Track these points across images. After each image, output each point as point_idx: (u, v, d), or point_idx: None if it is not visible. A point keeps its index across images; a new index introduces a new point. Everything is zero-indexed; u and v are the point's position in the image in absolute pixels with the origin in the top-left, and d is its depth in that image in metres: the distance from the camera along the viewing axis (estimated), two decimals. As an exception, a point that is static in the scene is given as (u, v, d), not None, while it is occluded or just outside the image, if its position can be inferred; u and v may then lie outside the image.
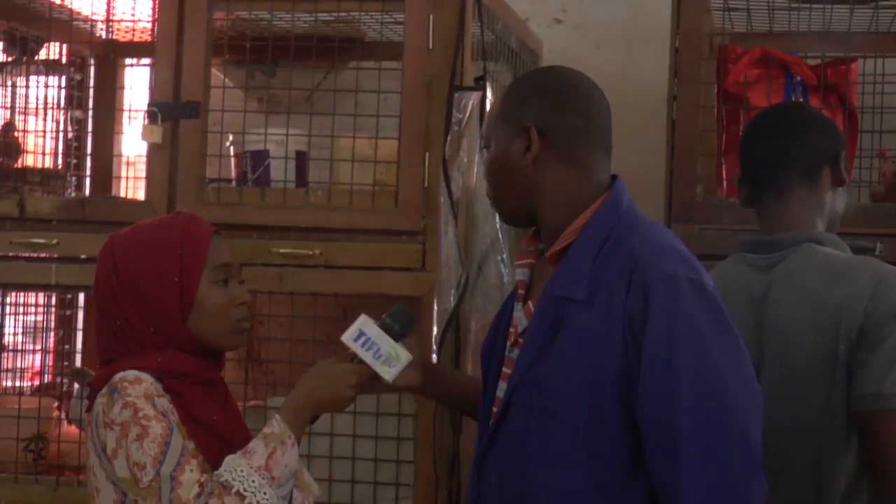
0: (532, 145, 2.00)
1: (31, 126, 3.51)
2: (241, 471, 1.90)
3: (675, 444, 1.82)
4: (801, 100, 3.01)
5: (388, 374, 2.02)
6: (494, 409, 2.03)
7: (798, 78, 3.02)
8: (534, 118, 2.00)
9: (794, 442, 2.18)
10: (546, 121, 2.00)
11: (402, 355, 2.02)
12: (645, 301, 1.86)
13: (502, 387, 2.03)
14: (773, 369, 2.19)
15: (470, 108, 2.92)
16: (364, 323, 2.03)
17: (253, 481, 1.90)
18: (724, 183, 3.09)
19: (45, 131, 3.55)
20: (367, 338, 2.02)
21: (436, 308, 2.87)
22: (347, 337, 2.03)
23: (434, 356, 2.85)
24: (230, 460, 1.92)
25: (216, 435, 2.01)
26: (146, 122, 3.02)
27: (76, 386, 3.35)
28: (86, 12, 3.47)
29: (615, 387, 1.87)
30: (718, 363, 1.84)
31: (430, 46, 2.91)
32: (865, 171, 3.12)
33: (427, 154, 2.90)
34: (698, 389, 1.82)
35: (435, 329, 2.86)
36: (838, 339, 2.14)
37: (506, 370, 2.05)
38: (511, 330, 2.07)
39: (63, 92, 3.60)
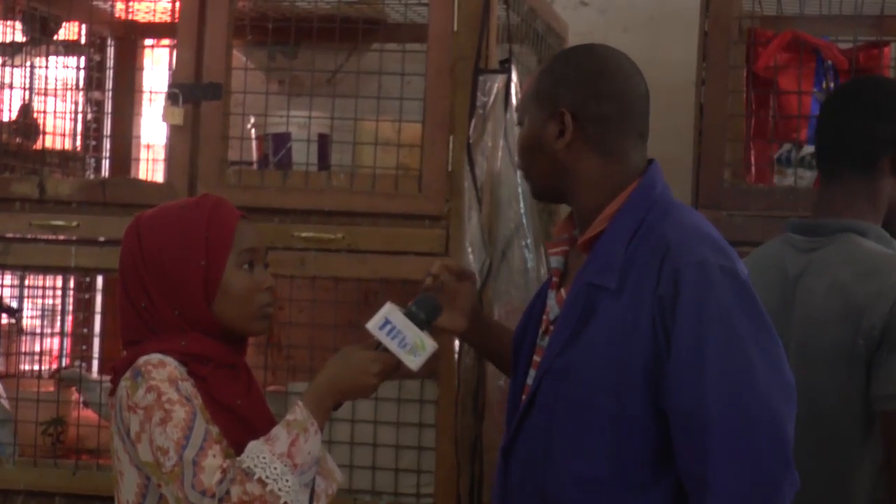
0: (566, 130, 1.96)
1: (49, 107, 3.49)
2: (264, 457, 1.89)
3: (704, 435, 1.78)
4: (831, 85, 2.97)
5: (412, 363, 1.99)
6: (524, 397, 2.01)
7: (829, 62, 2.98)
8: (569, 103, 1.96)
9: (808, 431, 2.10)
10: (581, 107, 1.95)
11: (428, 344, 2.00)
12: (675, 288, 1.82)
13: (532, 375, 2.01)
14: (794, 355, 2.14)
15: (495, 91, 2.90)
16: (390, 311, 2.01)
17: (275, 468, 1.88)
18: (753, 168, 3.05)
19: (64, 112, 3.53)
20: (392, 326, 1.99)
21: (459, 293, 2.84)
22: (373, 325, 2.00)
23: (456, 342, 2.82)
24: (253, 447, 1.90)
25: (240, 419, 2.00)
26: (167, 103, 2.99)
27: (95, 370, 3.33)
28: (105, -8, 3.45)
29: (644, 376, 1.84)
30: (749, 353, 1.80)
31: (455, 28, 2.89)
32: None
33: (451, 138, 2.87)
34: (728, 379, 1.79)
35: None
36: (858, 333, 2.10)
37: (536, 358, 2.02)
38: (543, 317, 2.05)
39: (82, 73, 3.58)
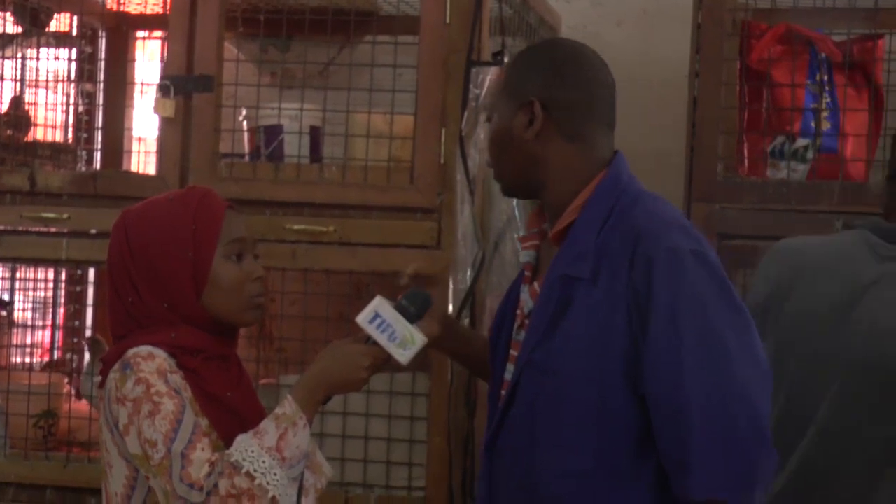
0: (535, 119, 1.98)
1: (41, 99, 3.48)
2: (252, 451, 1.88)
3: (683, 420, 1.81)
4: (825, 77, 2.96)
5: (402, 356, 1.99)
6: (503, 393, 2.01)
7: (823, 55, 2.97)
8: (537, 92, 1.99)
9: (866, 444, 2.06)
10: (549, 95, 1.99)
11: (418, 338, 1.99)
12: (648, 275, 1.85)
13: (510, 369, 2.02)
14: (852, 366, 2.06)
15: (487, 83, 2.88)
16: (380, 304, 2.00)
17: (263, 462, 1.88)
18: (746, 161, 3.04)
19: (55, 104, 3.51)
20: (382, 320, 1.99)
21: (451, 286, 2.84)
22: (362, 318, 1.99)
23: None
24: (241, 440, 1.90)
25: (230, 411, 1.99)
26: (159, 95, 2.98)
27: (86, 361, 3.32)
28: (97, -17, 3.43)
29: (621, 364, 1.86)
30: (723, 336, 1.83)
31: (448, 21, 2.87)
32: (889, 152, 3.04)
33: (443, 130, 2.86)
34: (703, 364, 1.81)
35: (451, 307, 2.83)
36: None
37: (513, 352, 2.03)
38: (518, 312, 2.06)
39: (73, 65, 3.56)
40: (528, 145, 1.99)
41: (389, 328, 1.98)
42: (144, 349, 1.96)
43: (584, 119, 2.00)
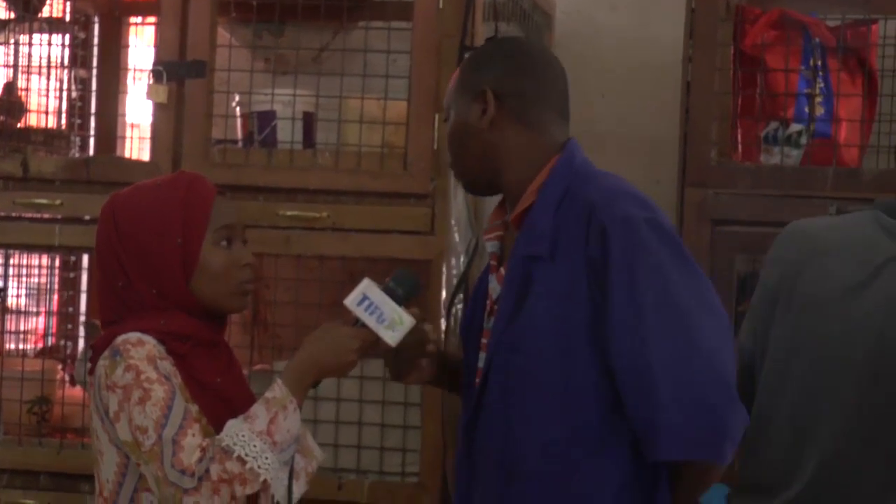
0: (488, 107, 2.04)
1: (34, 85, 3.46)
2: (243, 435, 1.88)
3: (648, 384, 1.85)
4: (819, 63, 2.96)
5: (391, 338, 1.99)
6: (477, 380, 2.04)
7: (817, 40, 2.96)
8: (489, 82, 2.05)
9: (880, 418, 2.02)
10: (501, 83, 2.04)
11: (406, 319, 1.99)
12: (604, 245, 1.89)
13: (483, 358, 2.05)
14: (868, 342, 2.02)
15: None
16: (367, 287, 2.00)
17: (254, 446, 1.88)
18: (740, 147, 3.04)
19: (48, 90, 3.50)
20: (370, 302, 1.99)
21: (445, 272, 2.84)
22: (350, 301, 1.99)
23: (442, 321, 2.82)
24: (231, 425, 1.90)
25: (220, 397, 1.99)
26: (151, 81, 2.97)
27: (81, 347, 3.32)
28: (90, -31, 3.42)
29: (587, 337, 1.90)
30: (683, 299, 1.87)
31: (441, 6, 2.88)
32: (885, 136, 3.05)
33: (437, 116, 2.85)
34: (665, 327, 1.85)
35: (444, 293, 2.83)
36: None
37: (484, 341, 2.07)
38: (487, 301, 2.09)
39: (67, 50, 3.54)
40: (483, 134, 2.04)
41: (378, 310, 1.98)
42: (134, 336, 1.95)
43: (536, 106, 2.05)
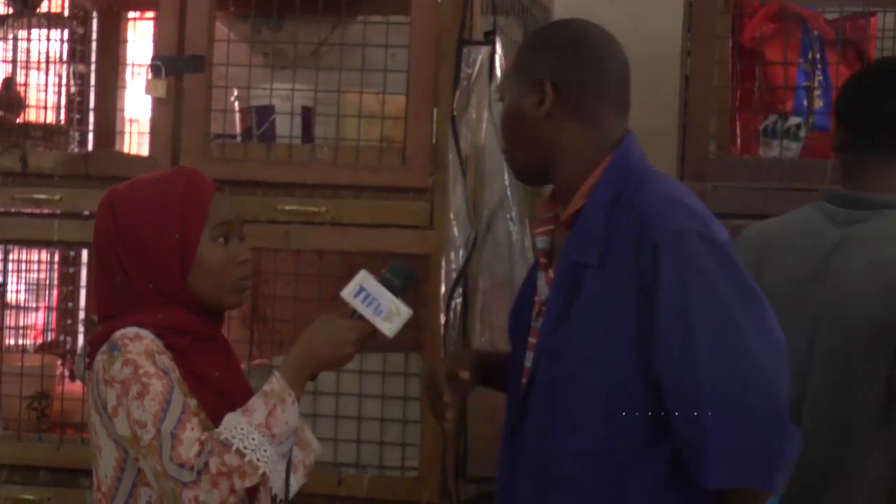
0: (545, 99, 1.96)
1: (33, 80, 3.46)
2: (241, 428, 1.88)
3: (697, 404, 1.76)
4: (817, 55, 2.95)
5: (388, 329, 1.99)
6: (523, 381, 2.00)
7: (815, 33, 2.96)
8: (547, 71, 1.97)
9: (830, 404, 2.11)
10: (560, 74, 1.96)
11: (403, 310, 1.99)
12: (655, 260, 1.82)
13: (529, 357, 2.01)
14: (823, 328, 2.12)
15: (479, 63, 2.88)
16: (364, 278, 2.00)
17: (253, 439, 1.88)
18: (739, 140, 3.04)
19: (47, 86, 3.50)
20: (367, 293, 1.99)
21: (443, 266, 2.84)
22: (347, 293, 2.00)
23: (441, 315, 2.81)
24: (230, 418, 1.90)
25: (218, 392, 1.99)
26: (150, 76, 2.97)
27: (80, 343, 3.32)
28: (88, -36, 3.42)
29: (632, 350, 1.84)
30: (735, 317, 1.79)
31: (439, 0, 2.86)
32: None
33: (435, 110, 2.86)
34: (715, 345, 1.77)
35: (443, 288, 2.82)
36: None
37: (532, 340, 2.02)
38: (535, 299, 2.05)
39: (65, 46, 3.54)
40: (538, 125, 1.97)
41: (375, 301, 1.98)
42: (131, 330, 1.95)
43: (595, 99, 1.97)
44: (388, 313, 1.98)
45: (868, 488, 2.09)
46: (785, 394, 1.79)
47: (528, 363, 2.01)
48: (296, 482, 1.99)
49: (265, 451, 1.88)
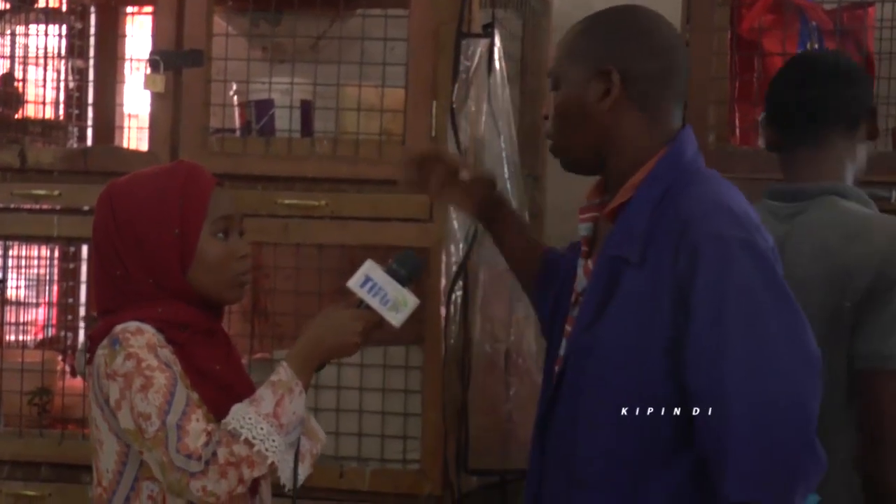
0: (612, 90, 1.90)
1: (31, 76, 3.46)
2: (249, 418, 1.88)
3: (722, 412, 1.73)
4: (816, 46, 2.96)
5: (395, 319, 1.99)
6: (556, 369, 1.99)
7: (814, 23, 2.96)
8: (615, 61, 1.90)
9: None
10: (630, 64, 1.90)
11: (410, 300, 1.99)
12: (693, 264, 1.77)
13: (564, 345, 1.99)
14: None
15: (478, 55, 2.87)
16: (370, 268, 2.00)
17: (261, 429, 1.88)
18: (738, 131, 3.04)
19: (45, 81, 3.49)
20: (373, 283, 1.99)
21: (444, 259, 2.84)
22: (354, 283, 2.00)
23: (442, 308, 2.82)
24: (238, 408, 1.90)
25: (219, 385, 1.99)
26: (148, 70, 2.97)
27: (81, 338, 3.32)
28: (86, -42, 3.41)
29: (664, 352, 1.80)
30: (770, 328, 1.75)
31: (438, -7, 2.86)
32: (882, 119, 3.04)
33: (434, 103, 2.85)
34: (746, 356, 1.73)
35: (443, 281, 2.82)
36: (845, 295, 2.10)
37: (568, 328, 2.00)
38: (574, 286, 2.03)
39: (64, 41, 3.54)
40: (600, 117, 1.91)
41: (381, 291, 1.98)
42: (132, 324, 1.95)
43: (661, 91, 1.92)
44: (395, 303, 1.98)
45: (838, 470, 2.07)
46: (814, 411, 1.75)
47: (562, 351, 1.99)
48: (303, 472, 1.99)
49: (273, 440, 1.88)
